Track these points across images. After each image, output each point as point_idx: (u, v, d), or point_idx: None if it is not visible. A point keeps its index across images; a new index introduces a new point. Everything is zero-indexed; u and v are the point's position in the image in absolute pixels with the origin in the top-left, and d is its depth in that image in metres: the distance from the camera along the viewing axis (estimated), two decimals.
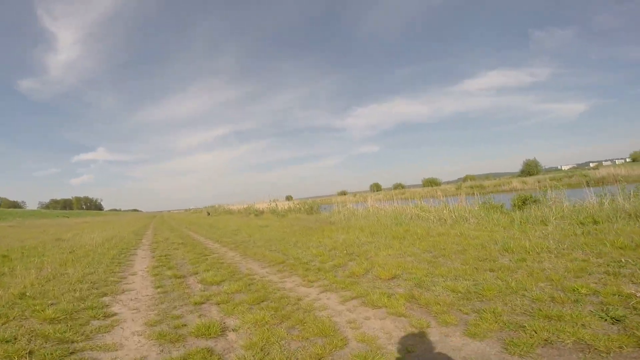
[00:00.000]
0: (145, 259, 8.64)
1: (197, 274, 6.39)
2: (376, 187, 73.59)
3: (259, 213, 31.38)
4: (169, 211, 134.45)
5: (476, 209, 10.91)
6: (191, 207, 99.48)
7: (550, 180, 10.39)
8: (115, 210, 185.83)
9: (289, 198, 35.32)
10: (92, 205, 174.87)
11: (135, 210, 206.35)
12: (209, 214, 57.01)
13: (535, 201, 10.51)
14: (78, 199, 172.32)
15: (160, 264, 7.61)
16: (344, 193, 65.38)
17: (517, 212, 9.88)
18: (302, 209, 25.29)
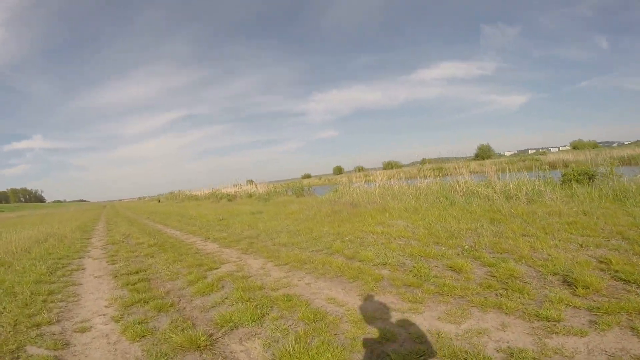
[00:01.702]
0: (100, 281, 4.90)
1: (233, 327, 2.92)
2: (338, 170, 72.47)
3: (231, 198, 27.45)
4: (120, 200, 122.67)
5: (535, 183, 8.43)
6: (145, 196, 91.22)
7: (506, 163, 10.61)
8: (59, 201, 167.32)
9: (250, 182, 31.87)
10: (32, 197, 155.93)
11: (81, 200, 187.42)
12: (159, 201, 53.02)
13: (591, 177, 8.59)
14: (15, 191, 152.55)
15: (134, 295, 3.95)
16: (308, 176, 63.18)
17: (588, 187, 7.84)
18: (284, 191, 21.82)
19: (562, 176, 8.98)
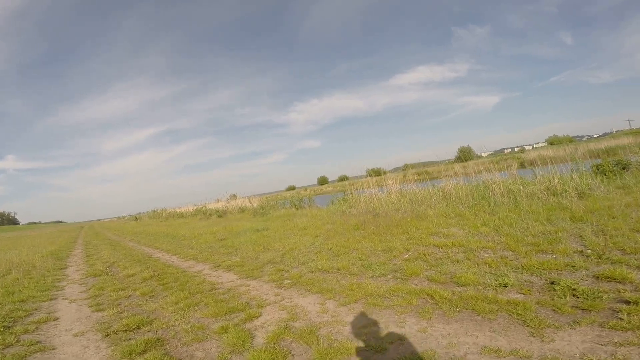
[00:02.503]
0: (84, 344, 3.28)
1: None
2: (323, 180, 71.83)
3: (222, 213, 25.53)
4: (99, 220, 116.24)
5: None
6: (125, 215, 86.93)
7: (489, 163, 10.19)
8: (34, 223, 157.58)
9: (233, 197, 30.55)
10: (5, 220, 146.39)
11: (58, 222, 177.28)
12: (136, 219, 50.79)
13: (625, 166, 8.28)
14: None
15: None
16: (292, 188, 61.80)
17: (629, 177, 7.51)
18: (281, 204, 20.25)
19: (596, 167, 8.32)
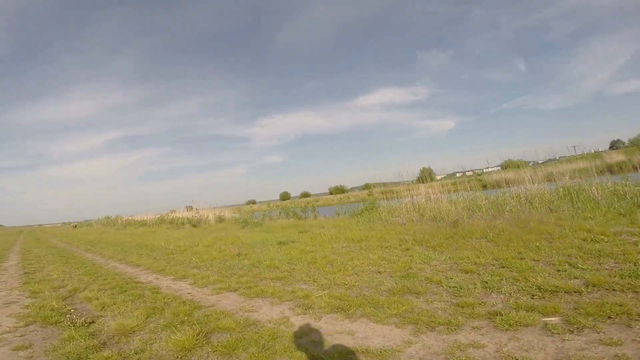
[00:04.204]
0: None
1: None
2: (286, 196, 70.42)
3: (196, 223, 21.86)
4: (41, 225, 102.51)
5: None
6: (71, 221, 77.80)
7: (452, 184, 10.42)
8: None
9: (189, 208, 27.98)
10: None
11: None
12: (75, 226, 47.22)
13: None
14: None
15: None
16: (252, 202, 58.70)
17: None
18: (277, 214, 17.29)
19: None
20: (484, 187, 12.07)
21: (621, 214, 5.57)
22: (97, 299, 4.30)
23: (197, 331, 2.76)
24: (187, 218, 23.75)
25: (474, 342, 2.23)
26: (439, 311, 2.80)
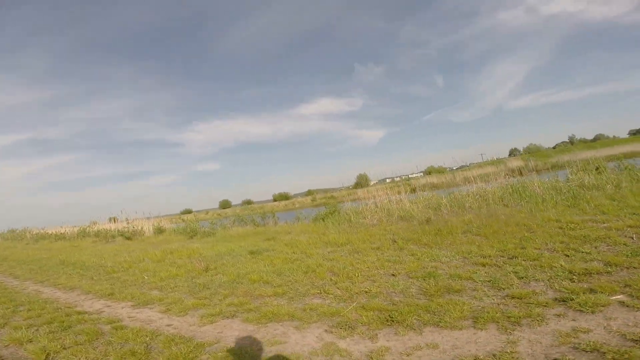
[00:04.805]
0: None
1: None
2: (226, 204, 68.29)
3: (130, 235, 19.32)
4: None
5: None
6: None
7: (390, 188, 11.56)
8: None
9: (112, 220, 25.86)
10: None
11: None
12: None
13: None
14: None
15: None
16: (188, 211, 55.51)
17: None
18: (230, 222, 16.09)
19: None
20: (413, 190, 12.72)
21: (568, 206, 6.01)
22: (31, 340, 3.10)
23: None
24: (118, 230, 20.90)
25: (583, 328, 2.02)
26: (501, 305, 2.50)
